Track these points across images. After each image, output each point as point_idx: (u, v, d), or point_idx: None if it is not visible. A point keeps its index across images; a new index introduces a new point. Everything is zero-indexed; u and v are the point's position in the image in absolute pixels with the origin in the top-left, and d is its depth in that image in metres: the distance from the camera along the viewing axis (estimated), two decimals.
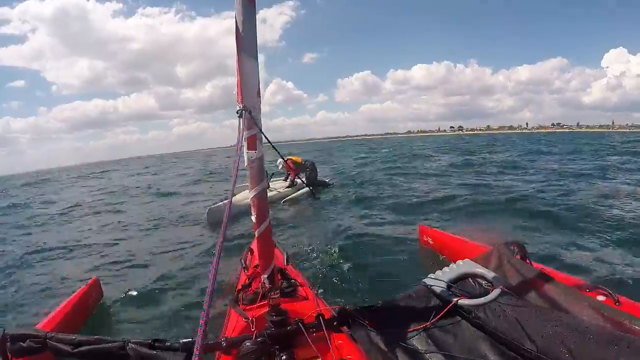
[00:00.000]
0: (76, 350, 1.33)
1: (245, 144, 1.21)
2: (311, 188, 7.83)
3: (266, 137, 1.27)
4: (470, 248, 2.43)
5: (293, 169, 7.67)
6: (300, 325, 1.26)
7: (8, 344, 1.52)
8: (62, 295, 3.46)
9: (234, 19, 1.46)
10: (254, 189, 1.22)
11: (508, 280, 1.41)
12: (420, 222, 3.74)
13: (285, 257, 1.92)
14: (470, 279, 1.44)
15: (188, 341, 1.23)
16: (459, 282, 1.43)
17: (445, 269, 1.52)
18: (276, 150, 1.29)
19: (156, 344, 1.23)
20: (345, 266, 3.14)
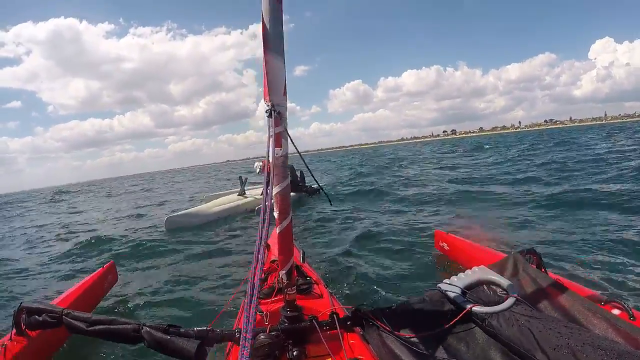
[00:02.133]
0: (90, 328, 1.36)
1: (272, 141, 1.22)
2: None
3: (289, 136, 1.29)
4: (486, 255, 2.42)
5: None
6: (315, 322, 1.28)
7: (24, 316, 1.62)
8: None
9: (261, 17, 1.47)
10: (278, 185, 1.25)
11: (523, 289, 1.42)
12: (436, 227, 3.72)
13: (301, 255, 1.95)
14: (485, 286, 1.45)
15: (202, 329, 1.27)
16: (474, 289, 1.43)
17: (461, 274, 1.53)
18: (297, 149, 1.31)
19: (171, 329, 1.26)
20: (357, 267, 3.16)
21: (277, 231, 1.30)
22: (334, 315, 1.30)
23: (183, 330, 1.26)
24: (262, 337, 1.23)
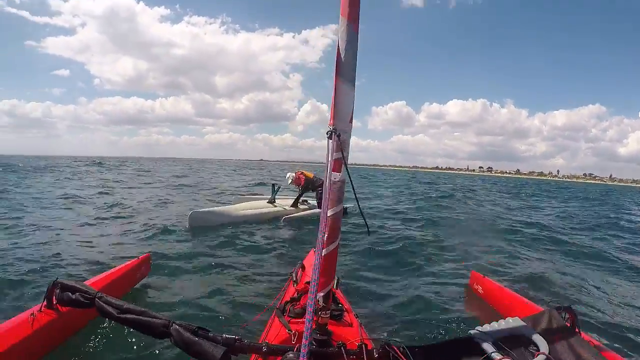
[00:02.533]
0: (121, 315, 1.40)
1: (331, 165, 1.25)
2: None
3: (345, 165, 1.31)
4: (520, 305, 2.36)
5: (302, 184, 7.37)
6: (343, 350, 1.27)
7: (57, 291, 1.69)
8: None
9: (337, 44, 1.53)
10: (332, 209, 1.26)
11: (555, 348, 1.37)
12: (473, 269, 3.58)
13: (336, 281, 1.95)
14: (517, 339, 1.41)
15: (230, 337, 1.28)
16: (506, 341, 1.39)
17: (494, 324, 1.50)
18: (349, 177, 1.33)
19: (200, 332, 1.27)
20: (389, 296, 3.09)
21: (323, 254, 1.31)
22: (363, 346, 1.28)
23: (211, 334, 1.27)
24: (290, 355, 1.23)
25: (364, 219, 1.46)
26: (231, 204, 7.89)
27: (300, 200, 7.78)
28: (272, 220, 6.99)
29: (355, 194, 1.31)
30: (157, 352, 2.06)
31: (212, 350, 1.22)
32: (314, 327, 1.38)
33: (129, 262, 2.89)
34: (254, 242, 5.18)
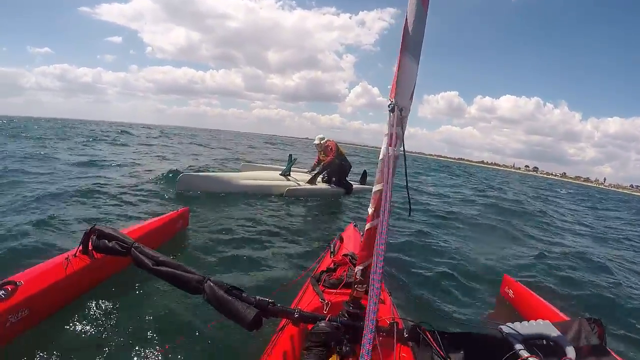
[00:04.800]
0: (156, 267, 1.40)
1: (386, 139, 1.23)
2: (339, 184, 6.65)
3: (402, 143, 1.28)
4: (550, 313, 2.32)
5: (329, 157, 6.38)
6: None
7: (94, 237, 1.70)
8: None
9: (405, 17, 1.47)
10: (380, 183, 1.24)
11: (580, 358, 1.33)
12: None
13: None
14: (544, 342, 1.39)
15: (263, 299, 1.29)
16: (534, 342, 1.37)
17: (525, 322, 1.46)
18: (404, 153, 1.30)
19: (234, 291, 1.29)
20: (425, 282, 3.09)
21: (367, 227, 1.30)
22: (394, 325, 1.29)
23: (245, 295, 1.29)
24: (322, 324, 1.25)
25: (409, 199, 1.42)
26: (236, 171, 6.87)
27: (320, 179, 6.63)
28: (279, 195, 5.94)
29: (405, 172, 1.28)
30: (185, 308, 2.09)
31: (245, 310, 1.23)
32: (345, 299, 1.39)
33: (167, 214, 2.94)
34: (287, 212, 5.15)
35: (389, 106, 1.24)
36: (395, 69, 1.37)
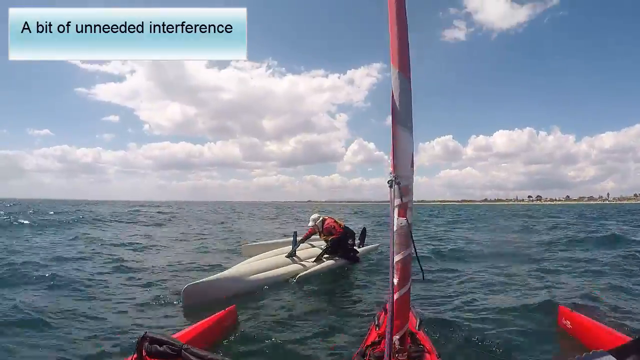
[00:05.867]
0: None
1: (396, 210, 1.32)
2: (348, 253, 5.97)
3: (411, 210, 1.36)
4: (612, 337, 2.19)
5: (335, 236, 5.83)
6: None
7: (146, 343, 1.80)
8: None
9: (391, 92, 1.61)
10: (400, 253, 1.31)
11: None
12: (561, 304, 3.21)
13: (418, 322, 1.94)
14: None
15: None
16: None
17: (579, 357, 1.45)
18: (410, 227, 1.37)
19: None
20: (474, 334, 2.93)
21: (395, 297, 1.35)
22: None
23: None
24: None
25: (419, 262, 1.44)
26: (237, 263, 5.65)
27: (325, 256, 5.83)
28: (286, 281, 5.11)
29: (413, 242, 1.34)
30: None
31: None
32: None
33: (214, 315, 2.99)
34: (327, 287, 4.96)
35: (388, 182, 1.34)
36: (391, 143, 1.49)
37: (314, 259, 5.71)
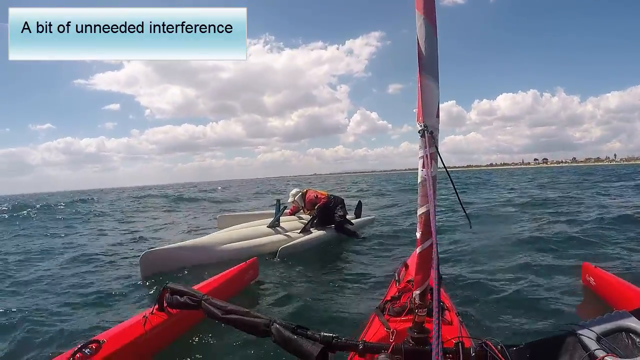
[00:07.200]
0: (225, 316, 1.50)
1: (422, 161, 1.25)
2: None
3: (440, 156, 1.30)
4: (636, 294, 2.15)
5: (323, 200, 5.46)
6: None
7: (167, 294, 1.86)
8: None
9: (416, 40, 1.51)
10: (424, 205, 1.26)
11: None
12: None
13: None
14: (624, 334, 1.28)
15: (328, 335, 1.31)
16: (611, 336, 1.28)
17: (600, 317, 1.38)
18: (447, 170, 1.31)
19: (298, 330, 1.33)
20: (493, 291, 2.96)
21: (417, 251, 1.31)
22: (460, 345, 1.25)
23: (310, 332, 1.32)
24: (382, 356, 1.24)
25: (465, 212, 1.41)
26: (214, 231, 5.39)
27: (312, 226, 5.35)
28: (269, 254, 4.60)
29: (454, 186, 1.30)
30: (253, 352, 2.14)
31: (310, 347, 1.27)
32: (410, 325, 1.38)
33: (235, 267, 3.02)
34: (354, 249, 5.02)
35: (419, 131, 1.27)
36: (417, 92, 1.40)
37: (299, 230, 5.13)
